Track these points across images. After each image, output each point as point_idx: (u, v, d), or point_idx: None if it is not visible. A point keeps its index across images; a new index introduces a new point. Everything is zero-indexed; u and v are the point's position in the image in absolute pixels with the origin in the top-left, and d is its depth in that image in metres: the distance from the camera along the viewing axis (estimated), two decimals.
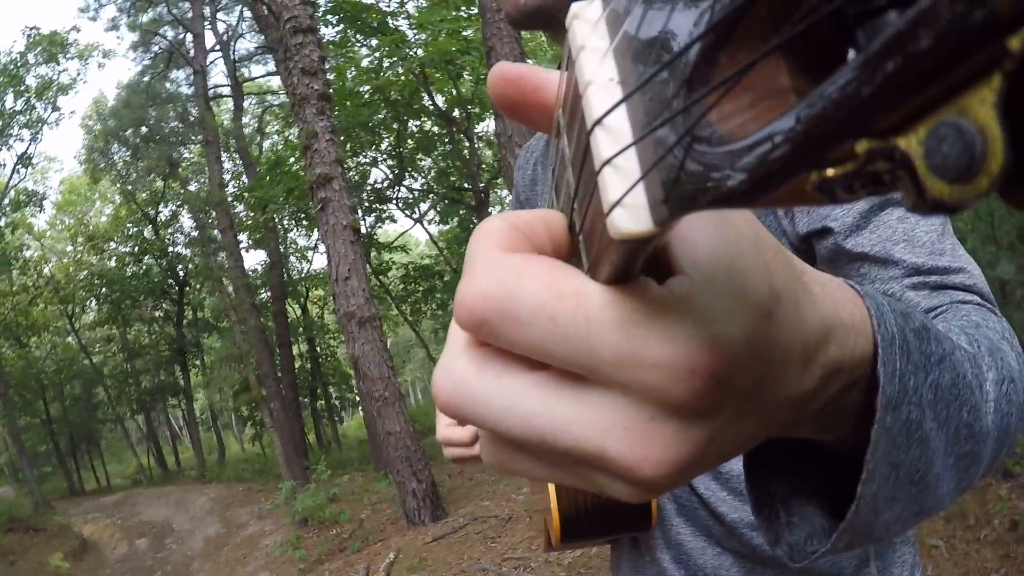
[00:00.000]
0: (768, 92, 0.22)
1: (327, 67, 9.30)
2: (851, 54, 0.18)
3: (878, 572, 1.01)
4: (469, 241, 0.33)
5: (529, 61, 9.29)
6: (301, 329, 23.27)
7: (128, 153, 23.77)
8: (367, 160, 17.79)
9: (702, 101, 0.21)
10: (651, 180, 0.23)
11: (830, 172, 0.18)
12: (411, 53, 14.00)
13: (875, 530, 0.43)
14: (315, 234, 21.36)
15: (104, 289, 26.77)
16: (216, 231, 19.32)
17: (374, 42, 15.22)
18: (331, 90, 9.39)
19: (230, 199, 19.25)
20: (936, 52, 0.14)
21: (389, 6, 15.24)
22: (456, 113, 16.73)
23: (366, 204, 18.26)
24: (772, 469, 0.47)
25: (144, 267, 26.48)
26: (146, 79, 22.45)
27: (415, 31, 14.49)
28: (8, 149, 23.20)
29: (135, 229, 26.83)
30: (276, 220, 17.89)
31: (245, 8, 19.72)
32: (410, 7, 15.45)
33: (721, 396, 0.29)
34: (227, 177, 21.28)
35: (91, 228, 28.53)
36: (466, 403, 0.31)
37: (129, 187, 24.62)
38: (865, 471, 0.39)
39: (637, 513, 1.06)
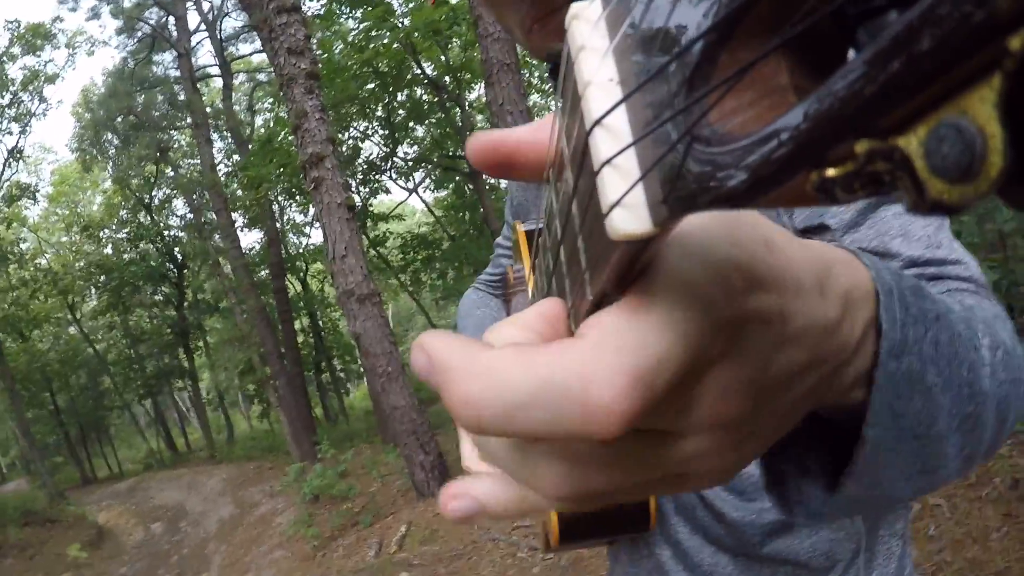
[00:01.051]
0: (768, 91, 0.22)
1: (313, 44, 9.20)
2: (851, 54, 0.18)
3: (864, 564, 1.02)
4: None
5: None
6: (302, 304, 23.29)
7: (119, 140, 23.67)
8: (358, 133, 17.69)
9: (702, 100, 0.21)
10: (651, 180, 0.23)
11: (830, 172, 0.18)
12: (398, 24, 13.88)
13: (882, 482, 0.44)
14: (311, 210, 21.34)
15: (103, 277, 26.79)
16: (211, 212, 19.27)
17: (359, 14, 15.08)
18: (319, 66, 9.32)
19: (223, 179, 19.19)
20: (937, 52, 0.14)
21: None
22: (447, 81, 16.62)
23: (359, 177, 18.18)
24: (782, 450, 0.47)
25: (141, 253, 26.47)
26: (131, 65, 22.31)
27: (401, 1, 14.36)
28: None
29: (129, 215, 26.80)
30: (271, 197, 17.82)
31: None
32: None
33: (753, 314, 0.30)
34: (219, 157, 21.21)
35: (85, 217, 28.47)
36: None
37: (121, 174, 24.54)
38: (870, 412, 0.40)
39: (636, 514, 1.06)
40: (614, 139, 0.25)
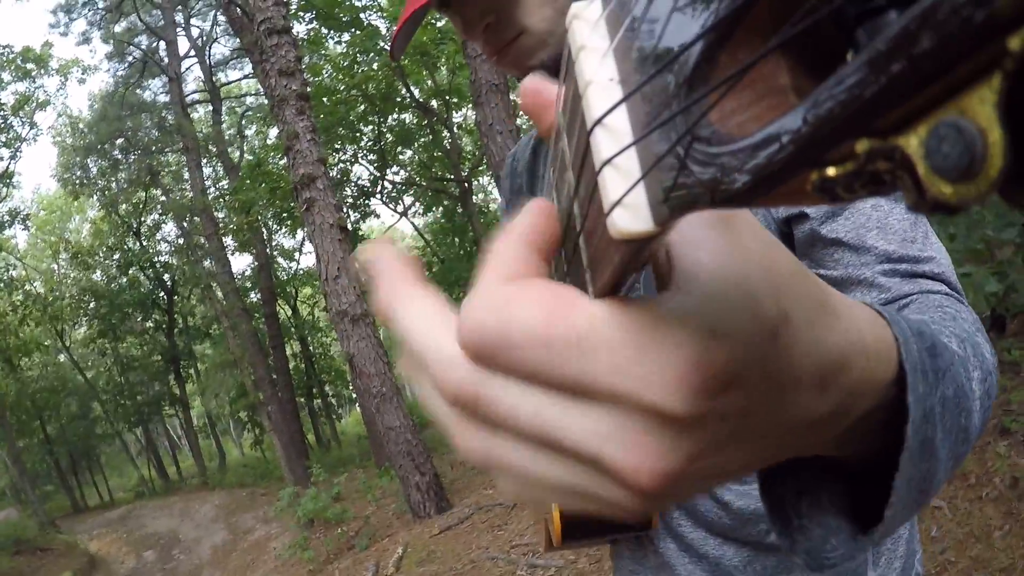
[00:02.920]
0: (768, 91, 0.21)
1: (303, 65, 9.24)
2: (851, 54, 0.18)
3: (872, 552, 1.03)
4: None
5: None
6: (293, 329, 23.23)
7: (107, 165, 23.65)
8: (348, 156, 17.72)
9: (702, 100, 0.21)
10: (651, 180, 0.23)
11: (831, 172, 0.18)
12: (385, 47, 13.95)
13: (889, 531, 0.44)
14: (300, 234, 21.35)
15: (92, 304, 26.69)
16: (201, 237, 19.25)
17: (347, 37, 15.16)
18: (308, 89, 9.35)
19: (213, 204, 19.18)
20: (936, 52, 0.14)
21: (361, 1, 15.16)
22: (434, 103, 16.68)
23: (349, 200, 18.21)
24: (778, 471, 0.46)
25: (130, 279, 26.39)
26: (120, 90, 22.33)
27: (388, 23, 14.42)
28: None
29: (118, 242, 26.73)
30: (261, 221, 17.81)
31: (219, 12, 19.60)
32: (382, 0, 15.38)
33: (716, 412, 0.28)
34: (207, 183, 21.20)
35: (73, 244, 28.39)
36: (467, 383, 0.31)
37: (110, 199, 24.48)
38: (893, 495, 0.41)
39: None
40: (615, 139, 0.25)
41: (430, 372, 0.33)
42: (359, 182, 18.49)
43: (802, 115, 0.18)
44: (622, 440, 0.28)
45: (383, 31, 14.47)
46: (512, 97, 8.13)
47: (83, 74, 25.19)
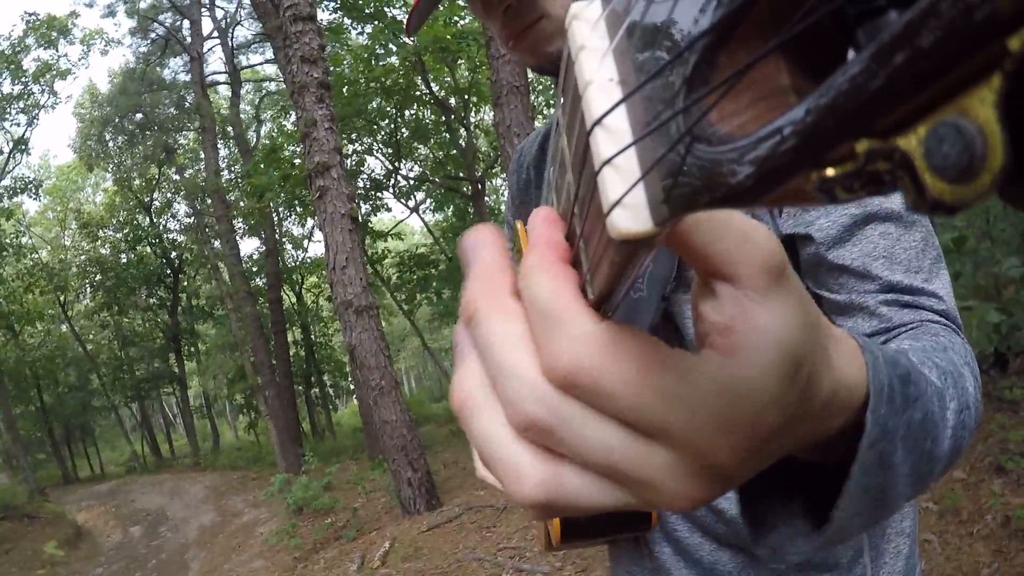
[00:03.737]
0: (768, 92, 0.21)
1: (326, 54, 9.25)
2: (851, 54, 0.18)
3: (871, 562, 1.03)
4: (529, 270, 0.34)
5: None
6: (296, 316, 23.25)
7: (124, 140, 23.71)
8: (363, 148, 17.72)
9: (702, 101, 0.21)
10: (651, 180, 0.23)
11: (830, 172, 0.18)
12: (407, 40, 13.95)
13: (842, 537, 0.49)
14: (310, 222, 21.38)
15: (99, 276, 26.73)
16: (212, 218, 19.28)
17: (369, 29, 15.18)
18: (329, 78, 9.36)
19: (225, 186, 19.22)
20: (936, 52, 0.14)
21: None
22: (452, 101, 16.68)
23: (361, 192, 18.22)
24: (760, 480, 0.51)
25: (139, 255, 26.44)
26: (141, 66, 22.39)
27: None
28: (4, 133, 23.14)
29: (129, 216, 26.80)
30: (272, 207, 17.84)
31: None
32: None
33: (756, 458, 0.33)
34: (222, 165, 21.24)
35: (84, 215, 28.45)
36: (549, 412, 0.33)
37: (124, 174, 24.55)
38: (842, 498, 0.45)
39: (637, 514, 1.06)
40: (614, 139, 0.25)
41: (508, 391, 0.34)
42: (373, 175, 18.50)
43: (800, 115, 0.18)
44: (675, 475, 0.32)
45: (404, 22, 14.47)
46: (532, 100, 8.13)
47: (106, 46, 25.14)
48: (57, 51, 22.97)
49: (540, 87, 15.68)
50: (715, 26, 0.20)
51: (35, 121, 23.55)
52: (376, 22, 14.64)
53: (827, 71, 0.17)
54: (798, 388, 0.32)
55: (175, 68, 23.28)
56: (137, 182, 25.29)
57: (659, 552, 1.15)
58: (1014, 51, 0.13)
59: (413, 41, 13.59)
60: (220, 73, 23.14)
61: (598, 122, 0.25)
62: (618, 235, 0.24)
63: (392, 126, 17.06)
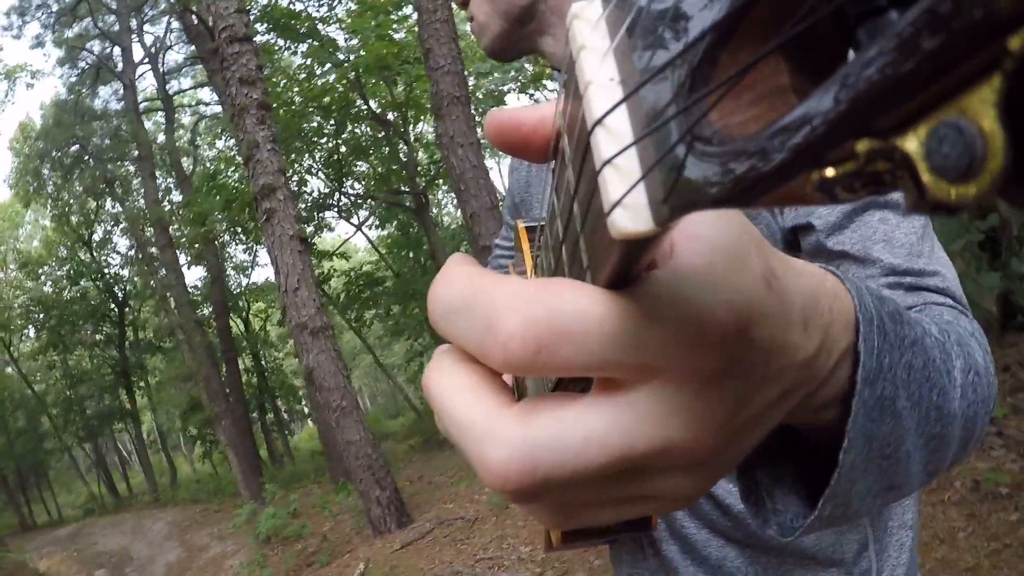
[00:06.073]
0: (769, 91, 0.22)
1: (264, 74, 9.13)
2: (851, 54, 0.18)
3: (876, 555, 1.04)
4: (448, 277, 0.33)
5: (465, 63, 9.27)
6: (245, 343, 23.00)
7: (60, 174, 23.26)
8: (303, 168, 17.57)
9: (703, 100, 0.21)
10: (651, 180, 0.23)
11: (831, 172, 0.18)
12: (344, 59, 13.87)
13: (852, 501, 0.46)
14: (254, 247, 21.15)
15: (41, 315, 26.20)
16: (154, 249, 18.99)
17: (304, 48, 15.06)
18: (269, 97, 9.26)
19: (168, 215, 18.94)
20: (937, 52, 0.14)
21: (319, 11, 15.07)
22: (391, 116, 16.60)
23: (304, 214, 18.05)
24: (757, 459, 0.49)
25: (81, 290, 25.96)
26: (73, 96, 22.00)
27: (347, 36, 14.35)
28: None
29: (69, 252, 26.31)
30: (216, 231, 17.60)
31: (173, 19, 19.37)
32: (340, 11, 15.31)
33: (742, 356, 0.31)
34: (160, 194, 20.93)
35: (22, 254, 27.88)
36: (550, 463, 0.30)
37: (61, 209, 24.08)
38: (846, 439, 0.42)
39: None
40: (615, 139, 0.25)
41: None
42: (313, 195, 18.35)
43: (800, 115, 0.18)
44: (679, 415, 0.30)
45: (341, 43, 14.37)
46: (472, 110, 8.11)
47: (32, 78, 24.67)
48: None
49: (481, 96, 15.69)
50: (716, 25, 0.20)
51: None
52: (311, 41, 14.51)
53: (827, 71, 0.17)
54: (756, 274, 0.31)
55: (106, 97, 22.92)
56: (75, 217, 24.80)
57: (666, 550, 1.14)
58: (1014, 51, 0.13)
59: (348, 60, 13.53)
60: (153, 99, 22.78)
61: (599, 122, 0.25)
62: (619, 235, 0.24)
63: (331, 144, 16.92)
